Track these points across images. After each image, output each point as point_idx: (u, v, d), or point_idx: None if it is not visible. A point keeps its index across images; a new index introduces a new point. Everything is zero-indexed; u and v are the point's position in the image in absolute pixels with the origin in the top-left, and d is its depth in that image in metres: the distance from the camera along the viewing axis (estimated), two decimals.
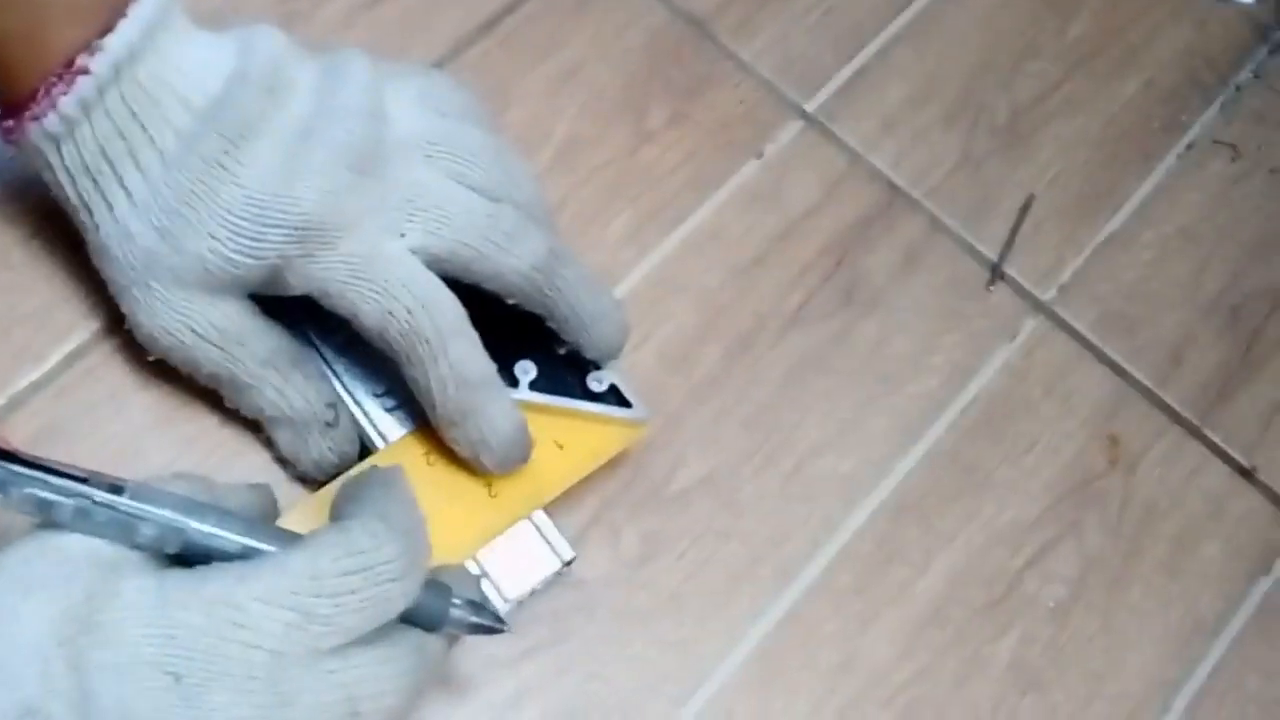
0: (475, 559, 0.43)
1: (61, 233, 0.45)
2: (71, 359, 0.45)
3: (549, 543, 0.44)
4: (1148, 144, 0.59)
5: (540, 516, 0.44)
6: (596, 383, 0.46)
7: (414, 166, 0.43)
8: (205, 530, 0.35)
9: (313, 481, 0.45)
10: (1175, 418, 0.53)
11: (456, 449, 0.43)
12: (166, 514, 0.35)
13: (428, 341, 0.42)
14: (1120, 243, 0.57)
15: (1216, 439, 0.53)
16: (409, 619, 0.37)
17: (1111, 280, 0.56)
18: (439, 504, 0.43)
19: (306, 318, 0.44)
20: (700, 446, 0.49)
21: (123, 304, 0.43)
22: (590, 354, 0.46)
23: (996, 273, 0.55)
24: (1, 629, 0.33)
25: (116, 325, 0.44)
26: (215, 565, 0.35)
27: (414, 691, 0.36)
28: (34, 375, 0.45)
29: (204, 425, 0.45)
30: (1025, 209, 0.56)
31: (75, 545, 0.34)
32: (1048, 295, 0.55)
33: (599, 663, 0.45)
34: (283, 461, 0.45)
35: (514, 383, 0.45)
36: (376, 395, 0.45)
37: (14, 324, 0.46)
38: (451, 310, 0.42)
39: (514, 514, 0.44)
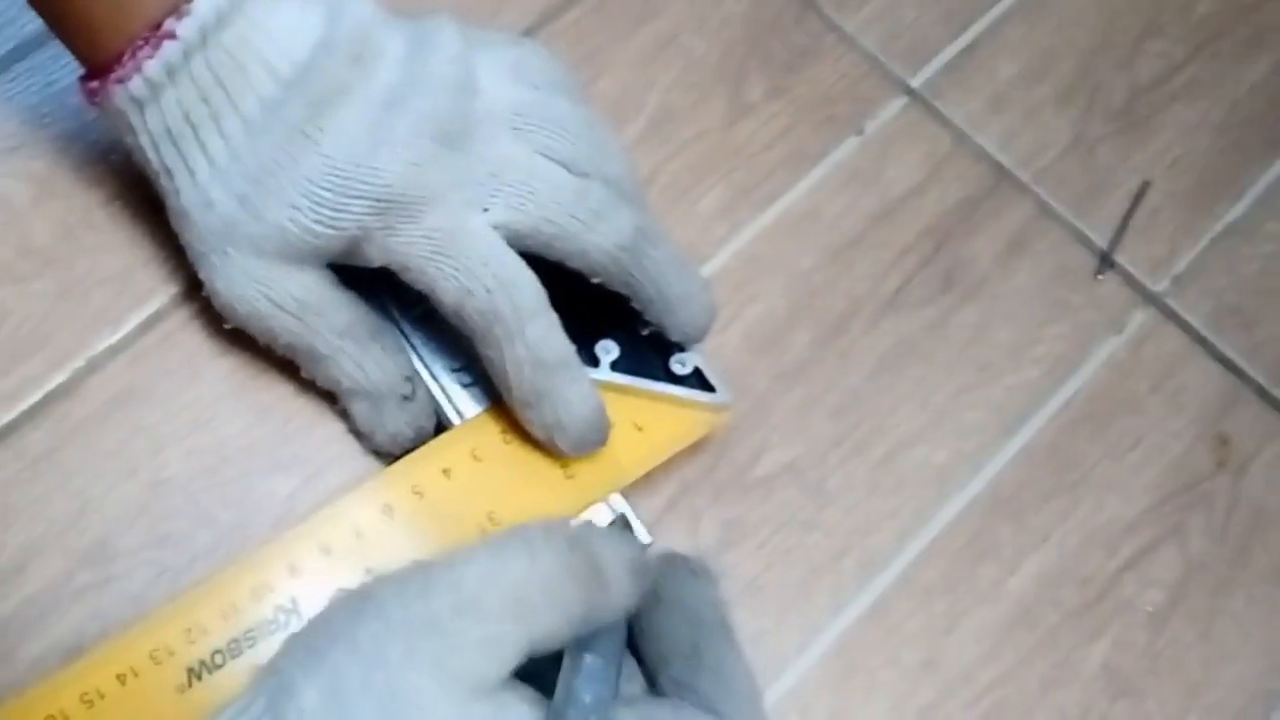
0: None
1: (143, 196, 0.44)
2: (149, 324, 0.45)
3: (625, 528, 0.43)
4: (1274, 130, 0.56)
5: (617, 500, 0.43)
6: (680, 365, 0.45)
7: (501, 140, 0.42)
8: None
9: (387, 455, 0.44)
10: None
11: (531, 430, 0.42)
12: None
13: (505, 321, 0.41)
14: (1240, 234, 0.54)
15: None
16: None
17: (1229, 273, 0.53)
18: (515, 484, 0.42)
19: (385, 289, 0.44)
20: (786, 432, 0.48)
21: (201, 271, 0.42)
22: (675, 336, 0.45)
23: (1106, 261, 0.52)
24: None
25: (195, 290, 0.44)
26: None
27: None
28: (112, 339, 0.45)
29: (280, 394, 0.45)
30: (1140, 196, 0.54)
31: None
32: (1160, 286, 0.52)
33: None
34: (358, 433, 0.44)
35: (595, 362, 0.44)
36: (454, 370, 0.44)
37: (94, 286, 0.45)
38: (531, 290, 0.41)
39: (590, 496, 0.43)
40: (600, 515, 0.43)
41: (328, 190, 0.40)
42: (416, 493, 0.41)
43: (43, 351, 0.44)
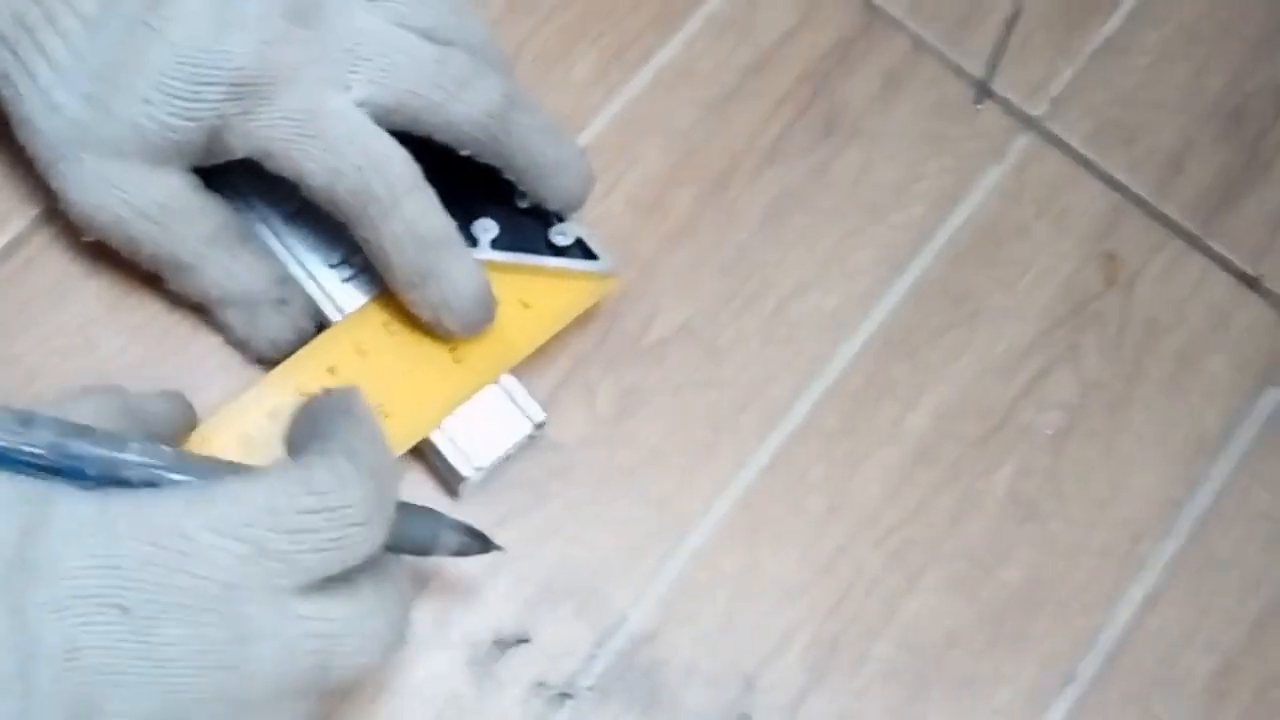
0: (442, 428, 0.42)
1: None
2: (9, 250, 0.44)
3: (518, 406, 0.43)
4: None
5: (508, 379, 0.43)
6: (561, 236, 0.45)
7: (355, 14, 0.41)
8: (138, 461, 0.33)
9: (270, 363, 0.43)
10: (1176, 230, 0.51)
11: (417, 313, 0.42)
12: (99, 451, 0.33)
13: (379, 200, 0.40)
14: (1116, 48, 0.54)
15: (1220, 248, 0.51)
16: (395, 547, 0.35)
17: (1107, 89, 0.53)
18: (401, 373, 0.42)
19: (252, 189, 0.43)
20: (676, 294, 0.47)
21: (52, 181, 0.41)
22: (552, 206, 0.44)
23: (983, 90, 0.52)
24: None
25: (56, 212, 0.43)
26: (162, 491, 0.32)
27: (390, 650, 0.34)
28: None
29: (152, 311, 0.44)
30: (1012, 21, 0.53)
31: None
32: (1039, 110, 0.52)
33: (579, 525, 0.44)
34: (237, 344, 0.44)
35: (474, 242, 0.44)
36: (331, 266, 0.43)
37: None
38: (402, 165, 0.40)
39: (480, 378, 0.43)
40: (488, 398, 0.43)
41: (179, 80, 0.39)
42: (302, 394, 0.41)
43: None
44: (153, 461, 0.33)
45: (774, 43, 0.52)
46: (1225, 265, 0.51)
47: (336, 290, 0.43)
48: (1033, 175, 0.51)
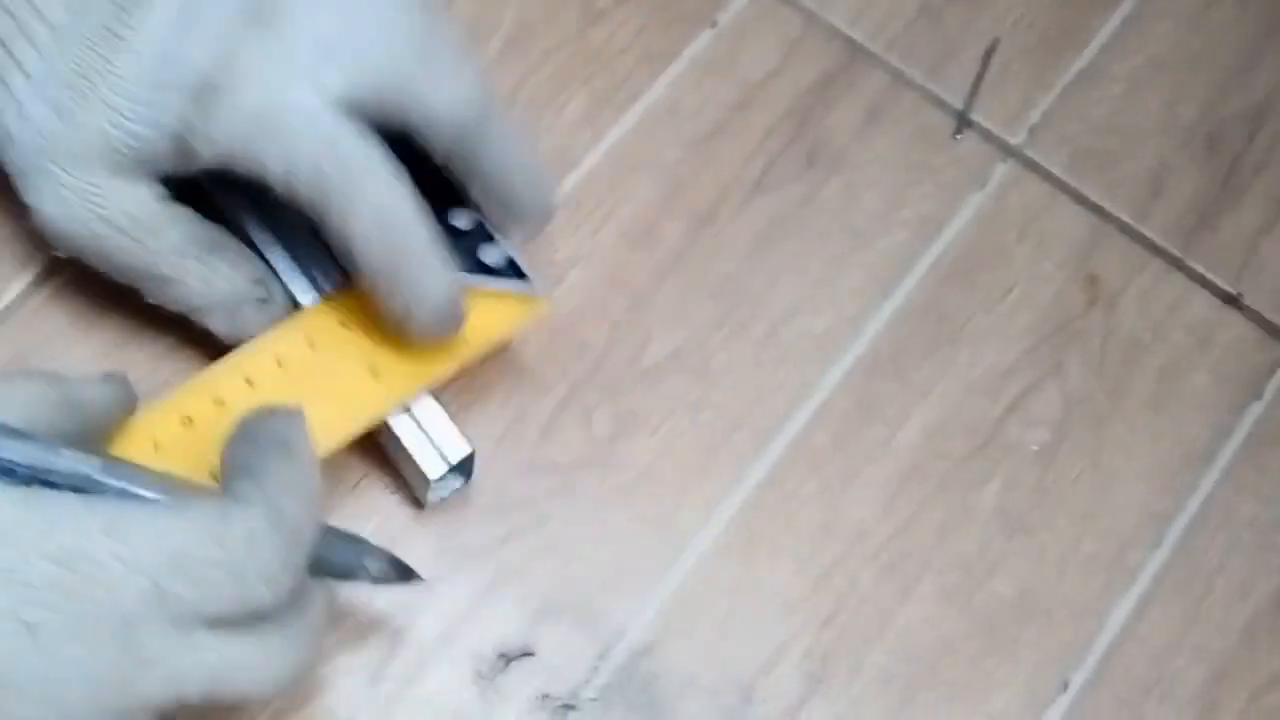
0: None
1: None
2: (33, 288, 0.46)
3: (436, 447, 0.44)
4: None
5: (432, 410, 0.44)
6: (491, 255, 0.45)
7: (321, 9, 0.41)
8: (68, 468, 0.34)
9: None
10: (1155, 250, 0.53)
11: (389, 316, 0.42)
12: (29, 457, 0.33)
13: (338, 189, 0.40)
14: (1089, 79, 0.56)
15: (1199, 268, 0.52)
16: (317, 570, 0.36)
17: (1083, 118, 0.55)
18: (318, 387, 0.42)
19: (229, 200, 0.44)
20: (669, 321, 0.49)
21: (26, 194, 0.41)
22: (518, 216, 0.45)
23: (963, 121, 0.54)
24: None
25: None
26: (81, 506, 0.33)
27: (285, 685, 0.35)
28: None
29: (169, 343, 0.45)
30: (989, 54, 0.55)
31: None
32: (1017, 139, 0.54)
33: (578, 543, 0.45)
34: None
35: None
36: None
37: None
38: (361, 149, 0.40)
39: (397, 396, 0.43)
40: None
41: (142, 86, 0.40)
42: (218, 404, 0.41)
43: None
44: (82, 469, 0.34)
45: (758, 81, 0.54)
46: (1205, 284, 0.52)
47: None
48: (1013, 201, 0.53)
